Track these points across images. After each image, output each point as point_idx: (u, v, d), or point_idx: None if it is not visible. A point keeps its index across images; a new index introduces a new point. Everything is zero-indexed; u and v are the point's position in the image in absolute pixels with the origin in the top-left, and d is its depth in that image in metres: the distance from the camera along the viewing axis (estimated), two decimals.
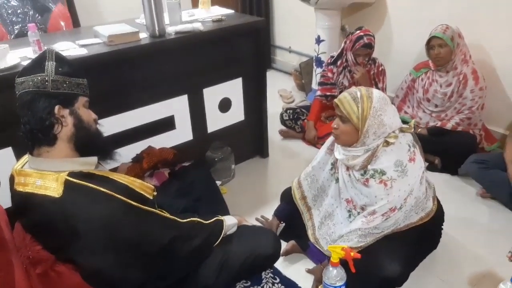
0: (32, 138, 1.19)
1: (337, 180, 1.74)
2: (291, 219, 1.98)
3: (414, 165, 1.55)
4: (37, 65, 1.20)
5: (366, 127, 1.50)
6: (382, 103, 1.52)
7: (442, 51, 2.42)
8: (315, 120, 2.88)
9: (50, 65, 1.19)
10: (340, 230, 1.71)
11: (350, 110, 1.51)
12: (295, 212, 1.92)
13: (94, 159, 1.28)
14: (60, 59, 1.23)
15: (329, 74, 2.77)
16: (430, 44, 2.48)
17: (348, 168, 1.65)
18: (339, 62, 2.71)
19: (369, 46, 2.51)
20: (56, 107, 1.18)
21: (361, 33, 2.51)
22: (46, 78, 1.17)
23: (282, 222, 2.03)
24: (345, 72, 2.70)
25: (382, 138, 1.53)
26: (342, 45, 2.67)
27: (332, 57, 2.77)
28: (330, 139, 1.78)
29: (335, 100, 1.57)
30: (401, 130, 1.58)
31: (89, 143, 1.26)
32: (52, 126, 1.18)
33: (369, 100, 1.50)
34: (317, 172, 1.87)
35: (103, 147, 1.33)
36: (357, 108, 1.50)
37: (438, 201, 1.83)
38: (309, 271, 1.83)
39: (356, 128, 1.52)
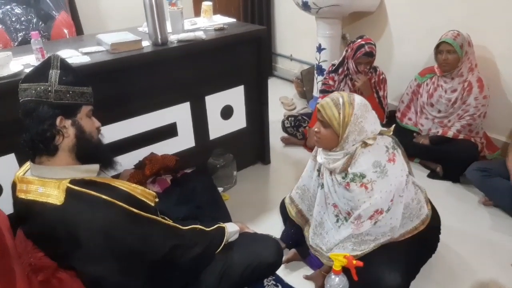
0: (33, 147, 1.18)
1: (322, 186, 1.74)
2: (292, 228, 1.97)
3: (395, 166, 1.54)
4: (41, 72, 1.18)
5: (346, 133, 1.50)
6: (363, 110, 1.52)
7: (450, 57, 2.43)
8: None
9: (54, 74, 1.17)
10: (333, 237, 1.71)
11: (331, 115, 1.51)
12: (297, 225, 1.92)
13: (96, 166, 1.27)
14: (65, 67, 1.21)
15: (331, 82, 2.78)
16: (439, 48, 2.48)
17: (331, 172, 1.65)
18: (340, 70, 2.71)
19: (370, 55, 2.52)
20: (58, 118, 1.17)
21: (362, 42, 2.52)
22: (49, 88, 1.16)
23: (288, 247, 1.96)
24: (346, 80, 2.70)
25: (361, 141, 1.54)
26: (344, 53, 2.68)
27: (333, 65, 2.78)
28: (316, 147, 1.78)
29: (317, 104, 1.57)
30: (380, 133, 1.58)
31: (90, 153, 1.25)
32: (53, 137, 1.17)
33: (351, 106, 1.50)
34: (307, 182, 1.88)
35: (103, 157, 1.32)
36: (338, 115, 1.50)
37: (432, 205, 1.82)
38: (307, 277, 1.82)
39: (336, 133, 1.53)
